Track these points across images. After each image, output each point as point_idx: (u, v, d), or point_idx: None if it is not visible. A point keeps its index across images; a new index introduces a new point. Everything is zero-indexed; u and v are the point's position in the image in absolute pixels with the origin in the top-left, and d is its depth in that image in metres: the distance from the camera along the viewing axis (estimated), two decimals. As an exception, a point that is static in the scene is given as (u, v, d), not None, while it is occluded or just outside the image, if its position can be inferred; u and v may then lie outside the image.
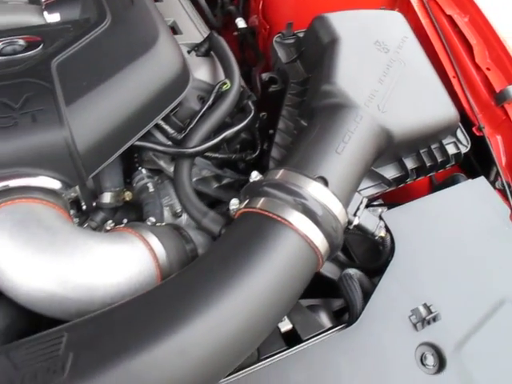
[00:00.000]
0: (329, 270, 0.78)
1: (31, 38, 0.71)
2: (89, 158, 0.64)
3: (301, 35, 0.87)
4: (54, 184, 0.63)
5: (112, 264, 0.59)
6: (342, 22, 0.79)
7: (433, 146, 0.83)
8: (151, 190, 0.76)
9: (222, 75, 0.85)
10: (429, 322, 0.66)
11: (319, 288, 0.71)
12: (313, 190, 0.62)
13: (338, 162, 0.67)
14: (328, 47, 0.77)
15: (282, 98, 0.84)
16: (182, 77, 0.76)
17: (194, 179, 0.85)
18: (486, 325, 0.67)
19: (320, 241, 0.61)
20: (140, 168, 0.79)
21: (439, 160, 0.83)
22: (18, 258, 0.56)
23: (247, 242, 0.59)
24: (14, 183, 0.61)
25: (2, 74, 0.64)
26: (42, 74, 0.64)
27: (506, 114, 0.90)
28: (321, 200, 0.62)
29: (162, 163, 0.81)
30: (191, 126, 0.76)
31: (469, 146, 0.87)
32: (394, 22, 0.85)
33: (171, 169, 0.83)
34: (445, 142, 0.85)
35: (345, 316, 0.71)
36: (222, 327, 0.53)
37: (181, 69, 0.75)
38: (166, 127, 0.75)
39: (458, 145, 0.86)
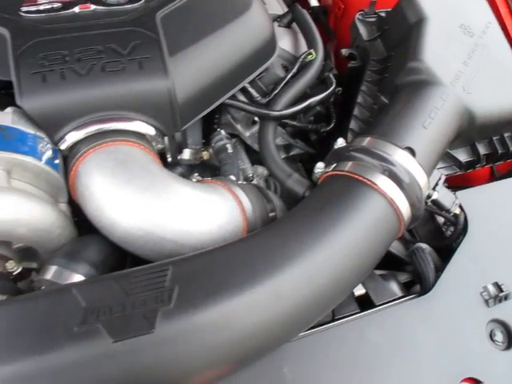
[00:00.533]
0: (393, 245, 0.79)
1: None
2: (185, 109, 0.66)
3: (382, 14, 0.88)
4: (150, 130, 0.65)
5: (206, 211, 0.61)
6: (429, 3, 0.80)
7: (506, 135, 0.84)
8: (230, 150, 0.77)
9: (302, 47, 0.87)
10: (500, 300, 0.67)
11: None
12: (400, 158, 0.63)
13: (424, 136, 0.68)
14: (414, 26, 0.78)
15: (359, 74, 0.85)
16: (271, 43, 0.78)
17: (267, 146, 0.86)
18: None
19: (405, 208, 0.62)
20: (219, 129, 0.81)
21: (511, 149, 0.84)
22: (119, 196, 0.59)
23: (336, 201, 0.61)
24: (113, 126, 0.63)
25: (110, 22, 0.66)
26: (147, 24, 0.66)
27: None
28: (408, 169, 0.63)
29: (238, 127, 0.83)
30: (276, 91, 0.77)
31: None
32: (478, 7, 0.85)
33: (247, 133, 0.85)
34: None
35: (413, 288, 0.72)
36: (314, 276, 0.55)
37: (270, 35, 0.77)
38: (252, 90, 0.77)
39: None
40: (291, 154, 0.90)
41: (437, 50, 0.75)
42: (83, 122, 0.62)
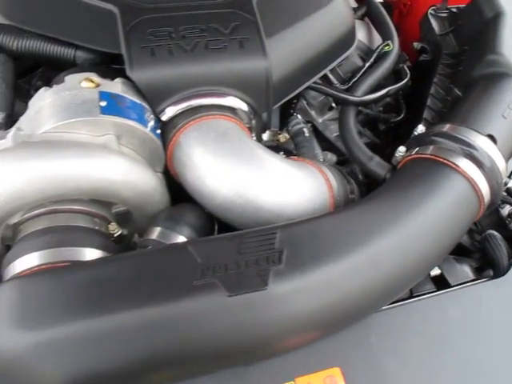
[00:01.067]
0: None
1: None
2: (278, 89, 0.70)
3: (454, 10, 0.91)
4: (244, 107, 0.69)
5: (299, 184, 0.64)
6: (505, 0, 0.83)
7: None
8: (307, 134, 0.81)
9: (375, 39, 0.90)
10: None
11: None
12: (482, 144, 0.66)
13: (503, 125, 0.70)
14: (491, 21, 0.81)
15: (429, 67, 0.88)
16: (352, 33, 0.81)
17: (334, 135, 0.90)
18: None
19: (485, 190, 0.65)
20: (295, 114, 0.84)
21: None
22: (220, 165, 0.62)
23: (421, 181, 0.64)
24: (212, 101, 0.67)
25: (211, 4, 0.70)
26: (245, 8, 0.70)
27: None
28: (489, 153, 0.66)
29: (312, 113, 0.87)
30: (355, 79, 0.81)
31: None
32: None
33: (319, 120, 0.88)
34: None
35: (485, 273, 0.75)
36: (406, 248, 0.58)
37: (351, 26, 0.81)
38: (331, 77, 0.81)
39: None
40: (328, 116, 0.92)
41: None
42: (184, 95, 0.66)
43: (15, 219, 0.59)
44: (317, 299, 0.52)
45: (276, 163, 0.64)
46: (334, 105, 0.85)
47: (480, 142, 0.66)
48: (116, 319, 0.48)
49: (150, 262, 0.53)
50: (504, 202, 0.79)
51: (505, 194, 0.77)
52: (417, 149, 0.69)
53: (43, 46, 0.67)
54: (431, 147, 0.67)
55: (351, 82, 0.81)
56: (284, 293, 0.51)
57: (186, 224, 0.62)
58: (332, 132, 0.90)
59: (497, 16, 0.80)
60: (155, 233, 0.61)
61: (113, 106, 0.59)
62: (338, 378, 0.56)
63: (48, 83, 0.67)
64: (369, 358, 0.59)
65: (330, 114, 0.89)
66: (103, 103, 0.58)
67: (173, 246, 0.58)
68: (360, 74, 0.81)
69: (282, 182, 0.63)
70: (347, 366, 0.57)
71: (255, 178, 0.62)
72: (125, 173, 0.60)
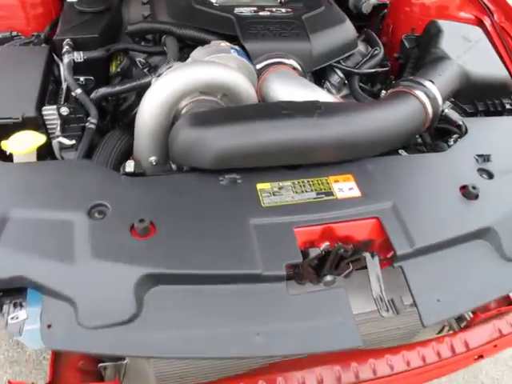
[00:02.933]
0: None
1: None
2: (315, 60, 1.31)
3: (416, 35, 1.54)
4: (298, 67, 1.29)
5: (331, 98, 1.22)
6: (443, 23, 1.46)
7: (497, 101, 1.41)
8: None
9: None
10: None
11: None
12: (428, 85, 1.23)
13: (440, 78, 1.27)
14: (434, 34, 1.43)
15: (403, 65, 1.50)
16: (355, 40, 1.47)
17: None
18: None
19: (430, 109, 1.19)
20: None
21: (499, 109, 1.41)
22: (292, 91, 1.20)
23: (395, 99, 1.20)
24: (283, 60, 1.28)
25: (281, 16, 1.36)
26: (298, 19, 1.35)
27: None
28: (432, 90, 1.22)
29: (333, 91, 1.47)
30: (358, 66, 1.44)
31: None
32: (472, 29, 1.50)
33: (338, 96, 1.48)
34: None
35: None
36: (383, 121, 1.12)
37: (355, 36, 1.45)
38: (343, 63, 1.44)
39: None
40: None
41: (448, 44, 1.38)
42: (269, 56, 1.27)
43: (181, 105, 1.16)
44: (339, 132, 1.06)
45: (320, 89, 1.23)
46: (346, 82, 1.45)
47: (427, 84, 1.23)
48: (251, 123, 1.02)
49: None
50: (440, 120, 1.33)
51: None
52: (395, 88, 1.27)
53: (194, 33, 1.31)
54: (402, 86, 1.25)
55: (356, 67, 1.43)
56: (324, 123, 1.05)
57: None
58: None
59: (438, 32, 1.43)
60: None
61: (236, 52, 1.21)
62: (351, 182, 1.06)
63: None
64: (366, 173, 1.09)
65: (344, 92, 1.49)
66: (232, 51, 1.20)
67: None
68: (361, 63, 1.43)
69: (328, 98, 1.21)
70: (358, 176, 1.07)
71: (311, 95, 1.19)
72: (243, 81, 1.17)
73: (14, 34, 1.35)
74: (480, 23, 1.65)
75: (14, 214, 0.90)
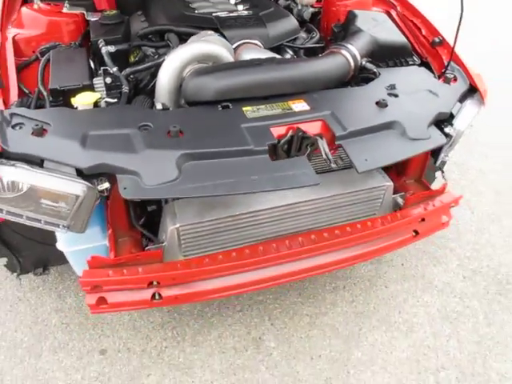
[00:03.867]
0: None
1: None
2: (271, 40, 1.91)
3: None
4: (260, 44, 1.88)
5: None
6: (357, 12, 2.09)
7: (402, 59, 2.03)
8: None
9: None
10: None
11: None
12: (350, 46, 1.83)
13: (356, 42, 1.88)
14: (352, 17, 2.06)
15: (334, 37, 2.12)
16: (298, 28, 2.07)
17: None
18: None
19: (352, 62, 1.79)
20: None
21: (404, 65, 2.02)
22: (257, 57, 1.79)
23: (326, 55, 1.80)
24: (246, 41, 1.87)
25: (243, 16, 1.96)
26: (256, 16, 1.96)
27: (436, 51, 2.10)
28: (352, 50, 1.82)
29: (288, 61, 2.07)
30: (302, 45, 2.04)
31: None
32: (380, 15, 2.14)
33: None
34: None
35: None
36: (319, 65, 1.71)
37: (297, 25, 2.07)
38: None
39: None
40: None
41: (361, 23, 2.00)
42: (240, 38, 1.86)
43: (185, 72, 1.71)
44: (290, 72, 1.64)
45: (276, 54, 1.81)
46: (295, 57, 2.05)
47: (348, 46, 1.84)
48: (236, 70, 1.59)
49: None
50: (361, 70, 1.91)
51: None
52: (328, 50, 1.86)
53: (188, 29, 1.89)
54: (332, 48, 1.84)
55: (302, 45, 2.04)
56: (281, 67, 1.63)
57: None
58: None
59: (354, 16, 2.06)
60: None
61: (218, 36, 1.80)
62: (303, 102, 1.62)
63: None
64: (312, 98, 1.65)
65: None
66: (216, 35, 1.79)
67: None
68: (304, 43, 2.04)
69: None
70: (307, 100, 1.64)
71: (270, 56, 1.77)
72: (225, 53, 1.75)
73: (57, 43, 1.90)
74: (388, 14, 2.31)
75: (91, 133, 1.41)
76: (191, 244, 1.59)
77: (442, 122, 1.74)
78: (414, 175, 1.96)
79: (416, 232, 1.86)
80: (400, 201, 1.87)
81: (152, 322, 2.15)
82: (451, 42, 1.94)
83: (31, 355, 1.98)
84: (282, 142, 1.47)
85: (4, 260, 1.96)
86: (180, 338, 2.09)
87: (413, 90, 1.78)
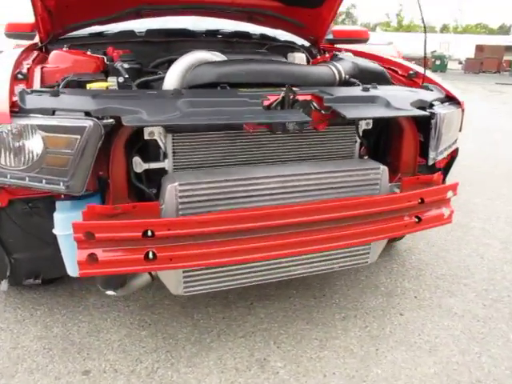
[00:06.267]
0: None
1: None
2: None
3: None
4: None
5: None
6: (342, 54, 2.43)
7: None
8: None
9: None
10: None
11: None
12: (336, 64, 2.10)
13: (342, 63, 2.15)
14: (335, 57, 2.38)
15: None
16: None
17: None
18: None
19: (337, 74, 2.04)
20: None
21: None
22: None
23: (316, 66, 2.05)
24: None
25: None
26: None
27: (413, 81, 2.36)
28: (337, 66, 2.09)
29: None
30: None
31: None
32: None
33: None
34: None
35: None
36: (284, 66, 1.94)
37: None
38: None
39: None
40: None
41: (342, 56, 2.31)
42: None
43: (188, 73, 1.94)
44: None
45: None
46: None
47: (335, 63, 2.10)
48: (232, 62, 1.82)
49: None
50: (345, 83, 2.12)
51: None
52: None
53: None
54: (323, 63, 2.11)
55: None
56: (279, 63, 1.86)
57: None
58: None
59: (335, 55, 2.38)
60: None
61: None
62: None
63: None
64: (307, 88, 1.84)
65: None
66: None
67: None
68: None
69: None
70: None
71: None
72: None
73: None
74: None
75: (102, 94, 1.56)
76: (189, 206, 1.58)
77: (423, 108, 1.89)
78: (407, 169, 2.01)
79: (418, 218, 1.83)
80: (397, 190, 1.89)
81: (144, 346, 1.93)
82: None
83: (3, 376, 1.74)
84: (275, 103, 1.60)
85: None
86: (174, 360, 1.85)
87: (395, 89, 1.99)
